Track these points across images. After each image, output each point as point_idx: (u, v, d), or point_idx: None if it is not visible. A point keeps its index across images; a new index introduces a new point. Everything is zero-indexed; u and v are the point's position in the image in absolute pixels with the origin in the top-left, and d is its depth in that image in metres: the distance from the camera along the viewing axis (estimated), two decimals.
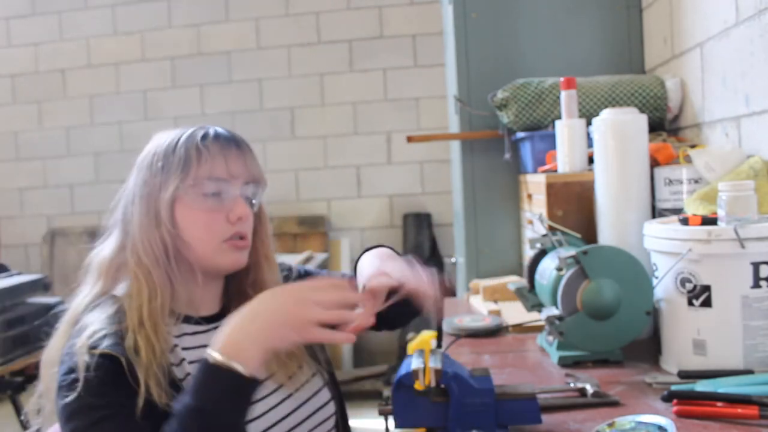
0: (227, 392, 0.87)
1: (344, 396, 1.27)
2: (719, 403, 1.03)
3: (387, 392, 1.10)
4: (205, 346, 0.94)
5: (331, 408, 1.21)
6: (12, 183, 4.81)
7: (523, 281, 1.65)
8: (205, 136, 1.11)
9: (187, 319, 1.12)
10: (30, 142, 4.78)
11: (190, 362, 1.06)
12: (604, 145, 1.51)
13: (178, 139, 1.10)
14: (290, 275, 1.33)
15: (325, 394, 1.21)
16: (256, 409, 1.09)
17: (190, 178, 1.08)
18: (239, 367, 0.87)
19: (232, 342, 0.89)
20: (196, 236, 1.10)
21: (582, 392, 1.16)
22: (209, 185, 1.09)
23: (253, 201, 1.16)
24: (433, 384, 1.00)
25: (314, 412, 1.17)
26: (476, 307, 1.91)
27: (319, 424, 1.18)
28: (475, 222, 2.27)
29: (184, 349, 1.08)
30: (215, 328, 1.08)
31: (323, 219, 4.45)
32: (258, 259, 1.19)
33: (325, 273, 1.42)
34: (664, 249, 1.25)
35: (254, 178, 1.15)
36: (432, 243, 4.34)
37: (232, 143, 1.13)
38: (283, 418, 1.13)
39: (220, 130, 1.14)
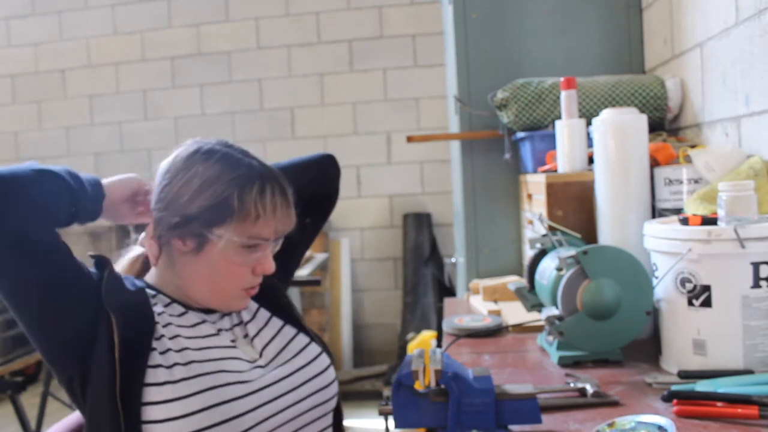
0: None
1: (344, 396, 1.28)
2: (719, 403, 1.03)
3: (387, 392, 1.11)
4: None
5: (325, 359, 1.23)
6: None
7: (523, 281, 1.65)
8: (263, 192, 1.09)
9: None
10: (30, 142, 4.79)
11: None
12: (604, 145, 1.51)
13: (236, 183, 1.08)
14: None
15: (314, 348, 1.23)
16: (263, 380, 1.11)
17: (239, 235, 1.08)
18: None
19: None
20: (218, 282, 1.11)
21: (582, 392, 1.16)
22: (251, 242, 1.09)
23: (280, 241, 1.16)
24: (433, 384, 1.00)
25: (309, 363, 1.19)
26: (476, 307, 1.91)
27: (317, 375, 1.19)
28: (475, 222, 2.27)
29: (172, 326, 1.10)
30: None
31: None
32: None
33: None
34: (664, 249, 1.25)
35: (289, 230, 1.15)
36: (432, 243, 4.34)
37: (284, 201, 1.12)
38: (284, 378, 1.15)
39: (276, 184, 1.12)
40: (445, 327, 1.68)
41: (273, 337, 1.20)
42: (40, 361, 3.17)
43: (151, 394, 1.01)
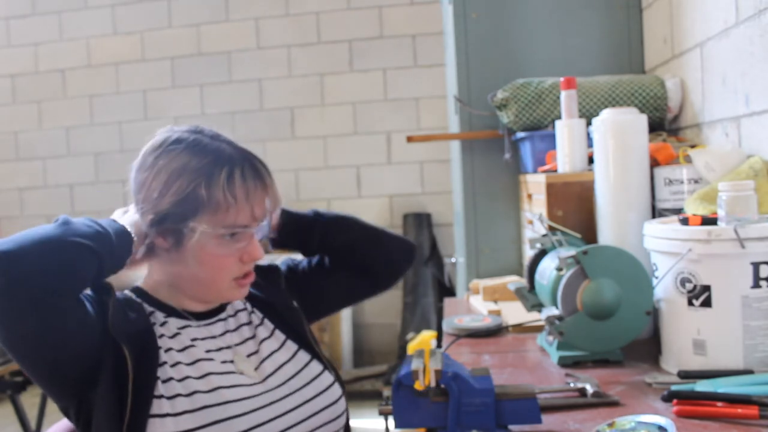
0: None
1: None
2: (719, 403, 1.03)
3: (387, 392, 1.10)
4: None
5: (337, 390, 1.19)
6: (12, 183, 4.81)
7: (523, 281, 1.65)
8: (231, 177, 1.04)
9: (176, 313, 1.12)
10: (30, 142, 4.79)
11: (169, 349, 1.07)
12: (604, 145, 1.51)
13: (202, 172, 1.03)
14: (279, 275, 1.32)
15: (327, 377, 1.19)
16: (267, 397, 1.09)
17: (213, 226, 1.04)
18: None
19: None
20: (205, 275, 1.08)
21: (582, 392, 1.16)
22: (228, 230, 1.05)
23: (265, 223, 1.12)
24: (433, 384, 1.00)
25: (320, 393, 1.16)
26: (476, 307, 1.91)
27: (327, 406, 1.16)
28: (475, 222, 2.27)
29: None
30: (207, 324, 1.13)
31: None
32: None
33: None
34: (664, 249, 1.25)
35: (273, 210, 1.11)
36: (432, 243, 4.34)
37: (258, 183, 1.07)
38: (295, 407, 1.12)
39: (247, 166, 1.06)
40: (445, 327, 1.68)
41: (286, 361, 1.16)
42: None
43: (154, 425, 0.98)
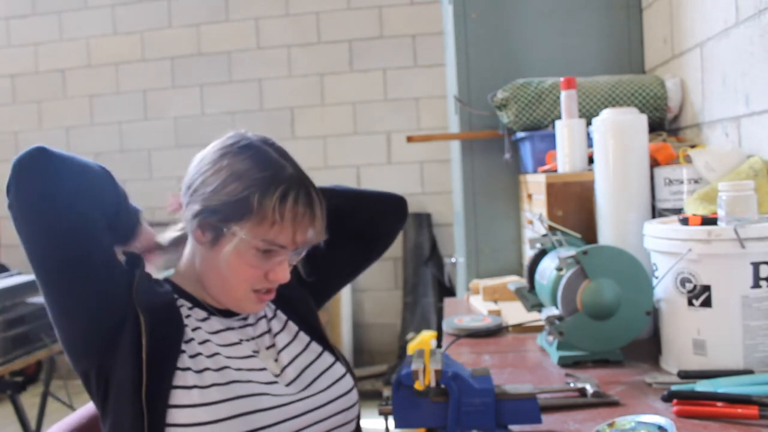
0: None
1: None
2: (719, 403, 1.03)
3: (387, 392, 1.11)
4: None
5: (349, 380, 1.20)
6: None
7: (523, 281, 1.65)
8: (285, 197, 1.04)
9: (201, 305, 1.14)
10: (30, 142, 4.70)
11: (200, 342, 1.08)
12: (604, 145, 1.51)
13: (260, 183, 1.04)
14: None
15: (339, 368, 1.20)
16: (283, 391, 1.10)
17: (253, 236, 1.05)
18: None
19: None
20: (229, 278, 1.09)
21: (582, 392, 1.16)
22: (266, 246, 1.06)
23: (300, 251, 1.12)
24: (433, 384, 1.00)
25: (333, 383, 1.17)
26: (476, 307, 1.91)
27: (341, 396, 1.17)
28: (475, 222, 2.27)
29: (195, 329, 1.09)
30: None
31: None
32: None
33: None
34: (664, 249, 1.25)
35: (313, 243, 1.11)
36: (432, 243, 4.34)
37: (308, 210, 1.07)
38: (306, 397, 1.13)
39: (303, 192, 1.07)
40: (445, 327, 1.68)
41: (300, 353, 1.17)
42: (40, 361, 3.17)
43: (177, 396, 1.00)
